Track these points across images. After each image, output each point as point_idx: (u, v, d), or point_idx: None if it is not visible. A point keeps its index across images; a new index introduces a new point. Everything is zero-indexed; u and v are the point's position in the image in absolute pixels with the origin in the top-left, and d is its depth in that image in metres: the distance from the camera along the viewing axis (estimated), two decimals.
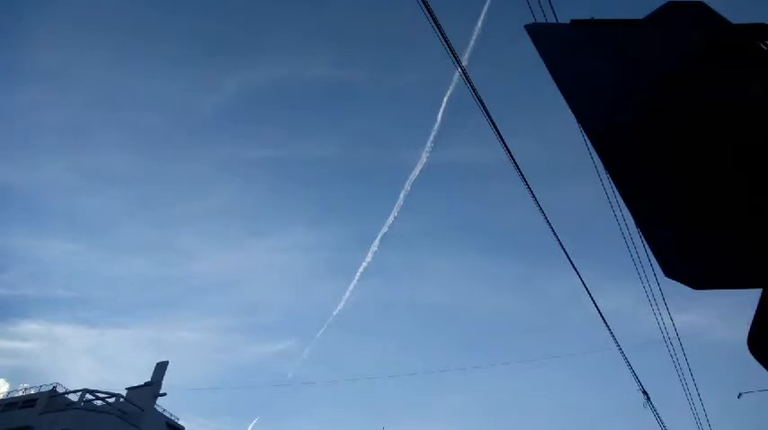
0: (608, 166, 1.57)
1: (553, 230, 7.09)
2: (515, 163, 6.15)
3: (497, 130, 5.52)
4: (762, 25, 2.10)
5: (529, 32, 2.14)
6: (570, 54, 2.04)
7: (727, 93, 1.57)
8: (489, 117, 5.45)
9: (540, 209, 6.68)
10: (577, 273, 7.97)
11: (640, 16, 2.59)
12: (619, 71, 1.88)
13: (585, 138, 4.36)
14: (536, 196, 6.50)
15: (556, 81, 1.84)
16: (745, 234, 1.22)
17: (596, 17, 2.50)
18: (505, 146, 5.85)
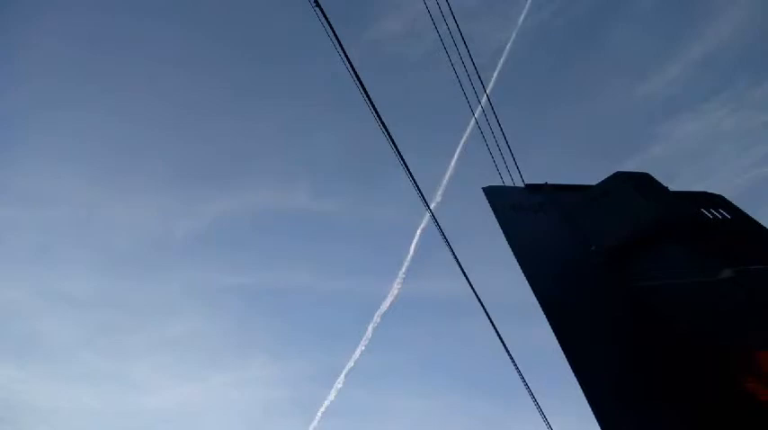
0: (555, 330, 1.61)
1: (521, 375, 6.92)
2: (480, 300, 6.19)
3: (464, 272, 5.64)
4: (702, 193, 2.31)
5: (486, 194, 2.30)
6: (523, 217, 2.18)
7: (661, 274, 1.67)
8: (456, 258, 5.59)
9: (510, 355, 6.59)
10: (547, 423, 7.66)
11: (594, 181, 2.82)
12: (567, 237, 2.01)
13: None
14: (505, 342, 6.46)
15: (508, 242, 1.95)
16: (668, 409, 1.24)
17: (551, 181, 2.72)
18: (471, 285, 5.93)
